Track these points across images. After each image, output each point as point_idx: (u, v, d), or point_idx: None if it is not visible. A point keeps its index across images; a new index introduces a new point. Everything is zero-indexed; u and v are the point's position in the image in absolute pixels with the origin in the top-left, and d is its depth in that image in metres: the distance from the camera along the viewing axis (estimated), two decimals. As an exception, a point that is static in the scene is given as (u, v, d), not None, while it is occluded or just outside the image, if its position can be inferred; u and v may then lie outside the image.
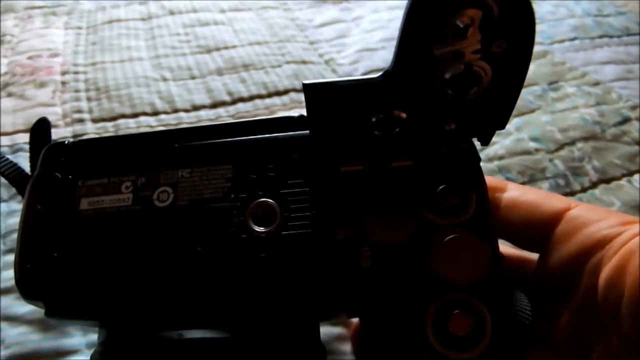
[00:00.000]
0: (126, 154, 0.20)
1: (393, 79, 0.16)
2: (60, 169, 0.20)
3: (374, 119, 0.17)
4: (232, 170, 0.18)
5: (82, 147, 0.20)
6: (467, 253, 0.18)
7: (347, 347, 0.28)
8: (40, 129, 0.23)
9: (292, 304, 0.18)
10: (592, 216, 0.19)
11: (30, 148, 0.23)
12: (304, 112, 0.21)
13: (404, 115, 0.17)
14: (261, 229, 0.17)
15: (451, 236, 0.18)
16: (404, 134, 0.17)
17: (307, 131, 0.19)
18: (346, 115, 0.17)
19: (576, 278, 0.19)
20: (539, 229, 0.20)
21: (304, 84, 0.16)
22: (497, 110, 0.17)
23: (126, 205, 0.18)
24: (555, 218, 0.20)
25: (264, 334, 0.17)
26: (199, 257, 0.17)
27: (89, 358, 0.28)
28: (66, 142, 0.20)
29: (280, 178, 0.18)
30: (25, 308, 0.30)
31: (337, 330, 0.29)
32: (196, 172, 0.19)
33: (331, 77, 0.46)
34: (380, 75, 0.16)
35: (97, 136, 0.40)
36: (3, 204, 0.36)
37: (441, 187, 0.18)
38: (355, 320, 0.28)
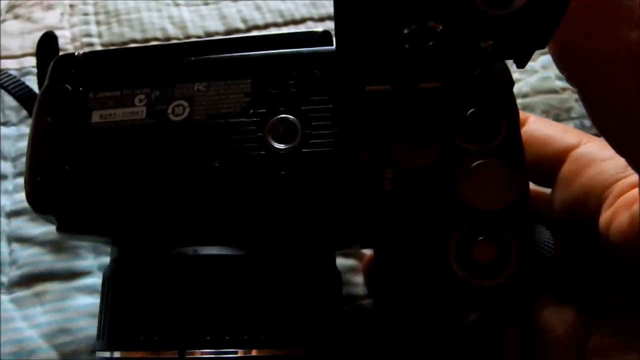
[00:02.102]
0: (139, 66, 0.19)
1: None
2: (70, 81, 0.19)
3: (406, 31, 0.15)
4: (252, 85, 0.17)
5: (93, 58, 0.19)
6: (495, 180, 0.17)
7: (359, 278, 0.28)
8: (47, 43, 0.22)
9: (311, 223, 0.17)
10: (598, 156, 0.19)
11: (37, 62, 0.22)
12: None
13: (439, 27, 0.15)
14: (281, 146, 0.17)
15: (479, 162, 0.17)
16: (436, 49, 0.16)
17: (331, 47, 0.18)
18: (378, 24, 0.15)
19: (578, 221, 0.19)
20: (548, 166, 0.20)
21: None
22: (539, 27, 0.16)
23: (140, 118, 0.18)
24: (563, 156, 0.19)
25: (281, 254, 0.17)
26: (216, 172, 0.17)
27: (99, 280, 0.28)
28: (76, 53, 0.20)
29: (302, 94, 0.17)
30: (37, 230, 0.30)
31: (349, 262, 0.28)
32: (213, 86, 0.18)
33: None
34: None
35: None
36: (13, 127, 0.36)
37: (471, 110, 0.17)
38: (368, 252, 0.27)
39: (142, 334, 0.16)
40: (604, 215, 0.17)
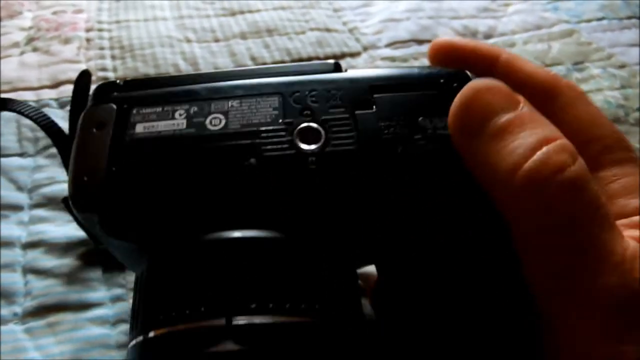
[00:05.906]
0: (177, 89, 0.21)
1: None
2: (114, 101, 0.20)
3: None
4: (279, 101, 0.20)
5: (133, 84, 0.21)
6: None
7: (363, 300, 0.29)
8: (84, 80, 0.24)
9: (337, 210, 0.19)
10: None
11: (73, 97, 0.23)
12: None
13: None
14: (308, 147, 0.19)
15: None
16: None
17: (342, 73, 0.21)
18: None
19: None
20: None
21: None
22: None
23: (180, 129, 0.19)
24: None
25: (311, 236, 0.19)
26: (252, 168, 0.19)
27: (111, 311, 0.29)
28: (117, 81, 0.21)
29: (322, 107, 0.20)
30: (52, 262, 0.31)
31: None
32: (245, 102, 0.20)
33: (354, 47, 0.46)
34: None
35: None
36: (29, 159, 0.36)
37: None
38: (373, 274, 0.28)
39: (189, 308, 0.16)
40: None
